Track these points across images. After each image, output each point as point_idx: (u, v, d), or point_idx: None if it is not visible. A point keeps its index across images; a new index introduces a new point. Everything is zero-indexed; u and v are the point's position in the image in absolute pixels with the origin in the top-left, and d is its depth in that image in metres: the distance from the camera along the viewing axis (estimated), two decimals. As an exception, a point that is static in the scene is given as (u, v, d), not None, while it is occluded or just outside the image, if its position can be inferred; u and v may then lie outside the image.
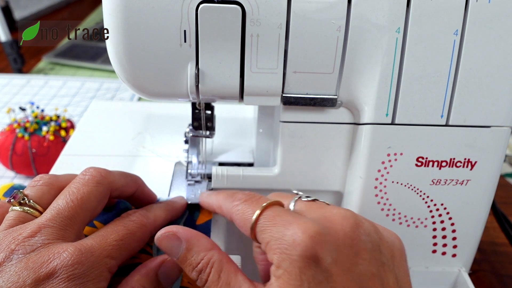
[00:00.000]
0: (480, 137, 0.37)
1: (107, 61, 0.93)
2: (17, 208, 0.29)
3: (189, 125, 0.44)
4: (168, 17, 0.32)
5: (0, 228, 0.28)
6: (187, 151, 0.44)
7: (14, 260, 0.26)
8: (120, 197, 0.35)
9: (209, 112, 0.40)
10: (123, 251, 0.29)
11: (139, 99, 0.81)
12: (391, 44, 0.33)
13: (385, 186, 0.38)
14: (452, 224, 0.40)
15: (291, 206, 0.31)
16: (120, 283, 0.29)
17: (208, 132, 0.41)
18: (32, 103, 0.64)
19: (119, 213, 0.34)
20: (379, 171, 0.37)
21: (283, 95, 0.35)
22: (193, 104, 0.40)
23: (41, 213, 0.29)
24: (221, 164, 0.45)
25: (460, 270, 0.42)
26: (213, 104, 0.40)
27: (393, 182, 0.38)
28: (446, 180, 0.38)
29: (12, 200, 0.30)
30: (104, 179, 0.32)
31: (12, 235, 0.27)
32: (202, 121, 0.40)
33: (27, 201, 0.30)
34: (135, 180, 0.35)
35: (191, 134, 0.42)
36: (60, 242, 0.27)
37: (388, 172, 0.37)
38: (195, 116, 0.40)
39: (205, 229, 0.37)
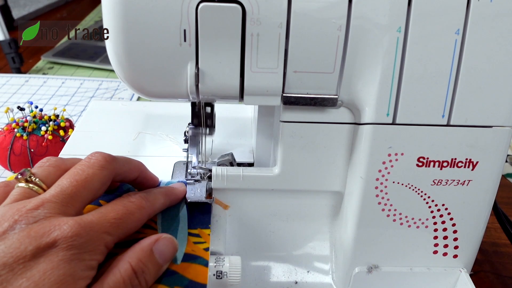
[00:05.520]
0: (481, 137, 0.36)
1: (106, 60, 0.93)
2: (23, 184, 0.31)
3: (189, 124, 0.43)
4: (168, 16, 0.31)
5: (6, 202, 0.30)
6: (187, 150, 0.44)
7: (17, 229, 0.27)
8: (123, 181, 0.36)
9: (209, 109, 0.40)
10: (120, 229, 0.31)
11: (139, 98, 0.81)
12: (392, 43, 0.33)
13: (386, 187, 0.38)
14: (454, 225, 0.40)
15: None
16: (117, 258, 0.30)
17: (208, 130, 0.41)
18: (31, 103, 0.64)
19: (122, 194, 0.35)
20: (379, 171, 0.37)
21: (284, 94, 0.35)
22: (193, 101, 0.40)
23: (45, 191, 0.31)
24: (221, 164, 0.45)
25: (461, 270, 0.41)
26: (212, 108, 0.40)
27: (394, 182, 0.38)
28: (447, 180, 0.38)
29: (19, 176, 0.31)
30: (109, 164, 0.33)
31: (16, 207, 0.28)
32: (202, 118, 0.40)
33: (33, 179, 0.31)
34: (138, 166, 0.37)
35: (190, 132, 0.41)
36: (61, 216, 0.28)
37: (389, 172, 0.37)
38: (195, 113, 0.40)
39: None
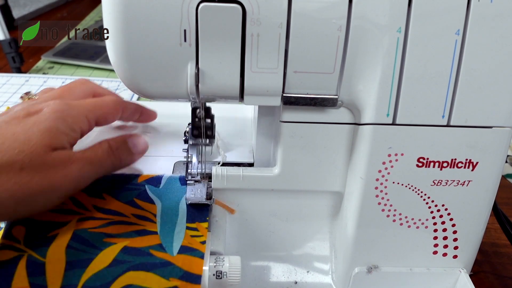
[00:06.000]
0: (481, 137, 0.36)
1: (106, 60, 0.93)
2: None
3: (189, 124, 0.43)
4: (168, 16, 0.31)
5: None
6: (187, 150, 0.44)
7: (17, 108, 0.36)
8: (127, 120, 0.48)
9: (208, 120, 0.41)
10: (98, 110, 0.40)
11: (139, 98, 0.81)
12: (392, 44, 0.33)
13: (385, 187, 0.38)
14: (453, 225, 0.40)
15: None
16: (99, 142, 0.39)
17: (207, 140, 0.42)
18: (31, 102, 0.64)
19: (128, 186, 0.40)
20: (379, 171, 0.37)
21: (284, 95, 0.35)
22: (193, 112, 0.40)
23: None
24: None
25: (461, 271, 0.41)
26: (212, 108, 0.40)
27: (393, 182, 0.38)
28: (447, 180, 0.38)
29: (24, 95, 0.41)
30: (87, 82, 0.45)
31: (18, 105, 0.37)
32: (202, 129, 0.41)
33: (34, 97, 0.41)
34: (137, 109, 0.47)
35: (191, 143, 0.42)
36: None
37: (388, 173, 0.37)
38: (195, 125, 0.40)
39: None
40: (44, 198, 0.33)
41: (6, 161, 0.31)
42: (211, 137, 0.42)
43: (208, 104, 0.40)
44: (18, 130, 0.33)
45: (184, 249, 0.35)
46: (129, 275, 0.32)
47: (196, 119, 0.40)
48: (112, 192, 0.39)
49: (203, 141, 0.41)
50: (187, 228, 0.37)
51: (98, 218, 0.37)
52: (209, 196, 0.40)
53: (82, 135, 0.38)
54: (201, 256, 0.35)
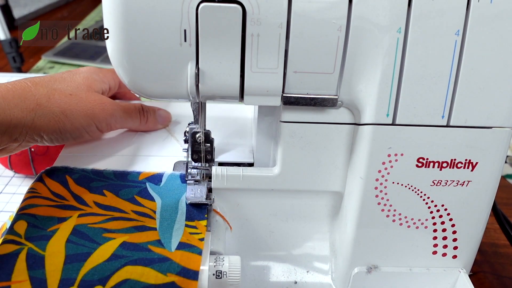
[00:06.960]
0: (481, 138, 0.36)
1: (106, 60, 0.93)
2: None
3: (189, 124, 0.43)
4: (168, 16, 0.32)
5: None
6: (187, 150, 0.44)
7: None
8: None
9: (208, 145, 0.41)
10: (113, 81, 0.49)
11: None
12: (392, 44, 0.33)
13: (385, 187, 0.38)
14: (453, 225, 0.40)
15: None
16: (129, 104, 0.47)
17: (207, 165, 0.42)
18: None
19: (129, 183, 0.40)
20: (379, 171, 0.37)
21: (284, 95, 0.35)
22: (194, 137, 0.40)
23: None
24: (221, 164, 0.45)
25: (460, 271, 0.41)
26: (212, 107, 0.40)
27: (393, 182, 0.38)
28: (447, 181, 0.38)
29: None
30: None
31: None
32: (202, 153, 0.41)
33: None
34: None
35: (192, 163, 0.42)
36: None
37: (388, 173, 0.37)
38: (195, 149, 0.41)
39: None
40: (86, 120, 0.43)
41: (59, 89, 0.42)
42: (211, 161, 0.42)
43: (208, 104, 0.41)
44: (65, 76, 0.44)
45: (182, 245, 0.35)
46: (127, 270, 0.33)
47: (196, 144, 0.40)
48: (113, 189, 0.40)
49: (203, 165, 0.42)
50: (186, 225, 0.37)
51: (99, 214, 0.37)
52: (208, 197, 0.40)
53: (110, 90, 0.48)
54: (199, 252, 0.35)
